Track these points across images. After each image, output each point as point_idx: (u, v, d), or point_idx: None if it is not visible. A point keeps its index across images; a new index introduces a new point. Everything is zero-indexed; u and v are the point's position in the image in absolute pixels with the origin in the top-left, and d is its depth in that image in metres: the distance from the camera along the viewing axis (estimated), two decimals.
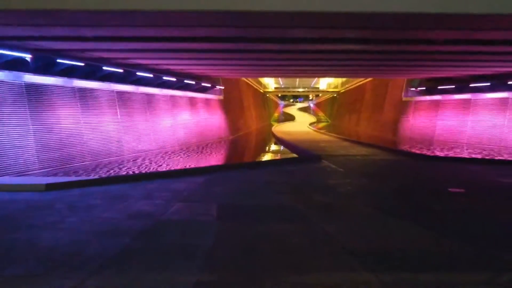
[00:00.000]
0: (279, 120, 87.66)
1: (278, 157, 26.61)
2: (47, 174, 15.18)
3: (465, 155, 23.86)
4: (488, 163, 17.88)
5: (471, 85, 28.28)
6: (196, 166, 17.78)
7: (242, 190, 11.15)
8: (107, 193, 10.52)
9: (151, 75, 22.78)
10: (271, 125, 69.85)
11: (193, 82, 28.42)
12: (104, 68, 18.79)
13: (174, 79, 25.40)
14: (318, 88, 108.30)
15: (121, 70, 20.10)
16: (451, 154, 24.37)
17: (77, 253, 6.01)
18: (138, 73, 21.50)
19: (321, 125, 73.38)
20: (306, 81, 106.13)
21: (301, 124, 67.14)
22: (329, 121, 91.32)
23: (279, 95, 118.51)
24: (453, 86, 29.80)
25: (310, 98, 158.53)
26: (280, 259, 5.88)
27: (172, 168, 17.17)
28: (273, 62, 21.96)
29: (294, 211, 8.80)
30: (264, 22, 12.23)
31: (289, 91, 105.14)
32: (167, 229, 7.40)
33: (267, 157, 26.78)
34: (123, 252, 6.14)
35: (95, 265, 5.55)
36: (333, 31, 13.67)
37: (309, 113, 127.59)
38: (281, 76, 54.22)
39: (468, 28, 13.10)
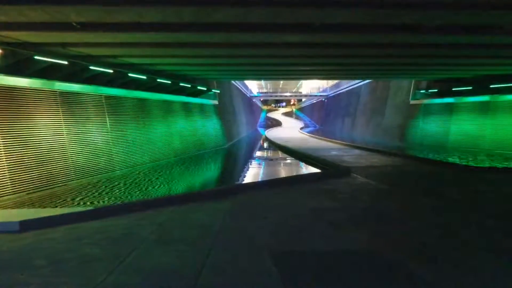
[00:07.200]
0: (266, 126, 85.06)
1: (297, 171, 22.30)
2: (22, 202, 12.08)
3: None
4: None
5: (490, 86, 26.11)
6: (212, 188, 14.81)
7: (287, 224, 8.32)
8: (104, 232, 7.62)
9: (144, 77, 19.81)
10: (258, 131, 67.15)
11: (189, 85, 25.49)
12: (91, 67, 15.76)
13: (168, 82, 22.44)
14: (301, 92, 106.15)
15: (110, 71, 17.09)
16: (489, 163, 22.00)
17: None
18: (130, 74, 18.51)
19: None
20: (290, 84, 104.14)
21: (290, 129, 64.58)
22: (317, 125, 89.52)
23: (262, 99, 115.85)
24: (470, 88, 27.59)
25: (292, 103, 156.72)
26: None
27: (184, 191, 14.14)
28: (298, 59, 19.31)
29: (386, 262, 6.04)
30: None
31: (276, 96, 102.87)
32: None
33: (284, 171, 23.18)
34: None
35: None
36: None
37: (294, 117, 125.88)
38: (280, 79, 51.64)
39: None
